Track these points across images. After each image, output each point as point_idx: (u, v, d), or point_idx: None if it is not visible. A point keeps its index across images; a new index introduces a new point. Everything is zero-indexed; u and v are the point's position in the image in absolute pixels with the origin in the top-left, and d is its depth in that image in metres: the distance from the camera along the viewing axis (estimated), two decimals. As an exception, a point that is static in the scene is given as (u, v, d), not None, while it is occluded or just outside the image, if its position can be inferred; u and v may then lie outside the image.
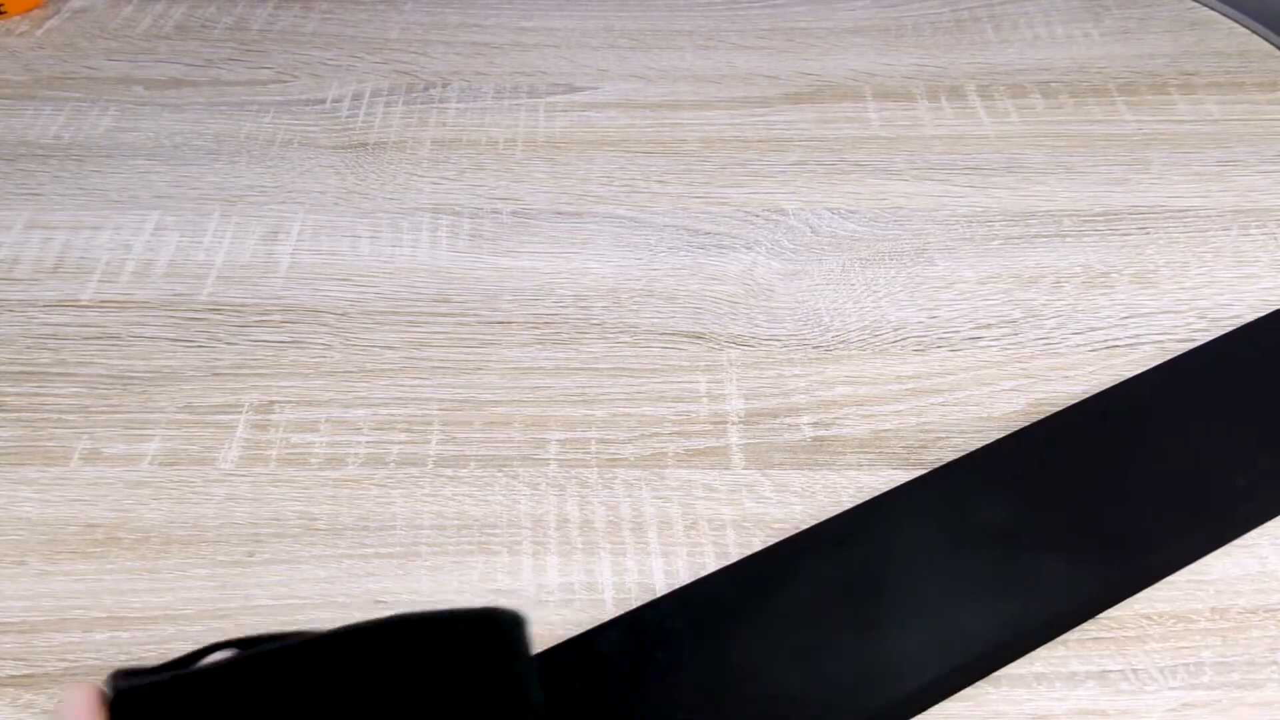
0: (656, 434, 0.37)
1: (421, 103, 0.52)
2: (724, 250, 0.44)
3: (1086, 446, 0.36)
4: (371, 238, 0.44)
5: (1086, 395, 0.37)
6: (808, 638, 0.30)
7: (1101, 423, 0.37)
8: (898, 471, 0.35)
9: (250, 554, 0.33)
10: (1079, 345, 0.40)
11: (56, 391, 0.38)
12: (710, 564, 0.33)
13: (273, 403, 0.38)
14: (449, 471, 0.35)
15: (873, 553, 0.32)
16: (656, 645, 0.30)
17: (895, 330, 0.40)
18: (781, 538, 0.33)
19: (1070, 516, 0.33)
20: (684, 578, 0.32)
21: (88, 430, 0.37)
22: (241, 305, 0.41)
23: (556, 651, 0.30)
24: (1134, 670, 0.30)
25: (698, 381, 0.38)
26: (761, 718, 0.29)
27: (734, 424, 0.37)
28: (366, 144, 0.50)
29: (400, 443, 0.36)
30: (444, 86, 0.53)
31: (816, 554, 0.32)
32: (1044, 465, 0.35)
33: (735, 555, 0.33)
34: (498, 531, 0.34)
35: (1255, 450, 0.35)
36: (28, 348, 0.39)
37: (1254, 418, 0.37)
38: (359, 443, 0.36)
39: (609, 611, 0.31)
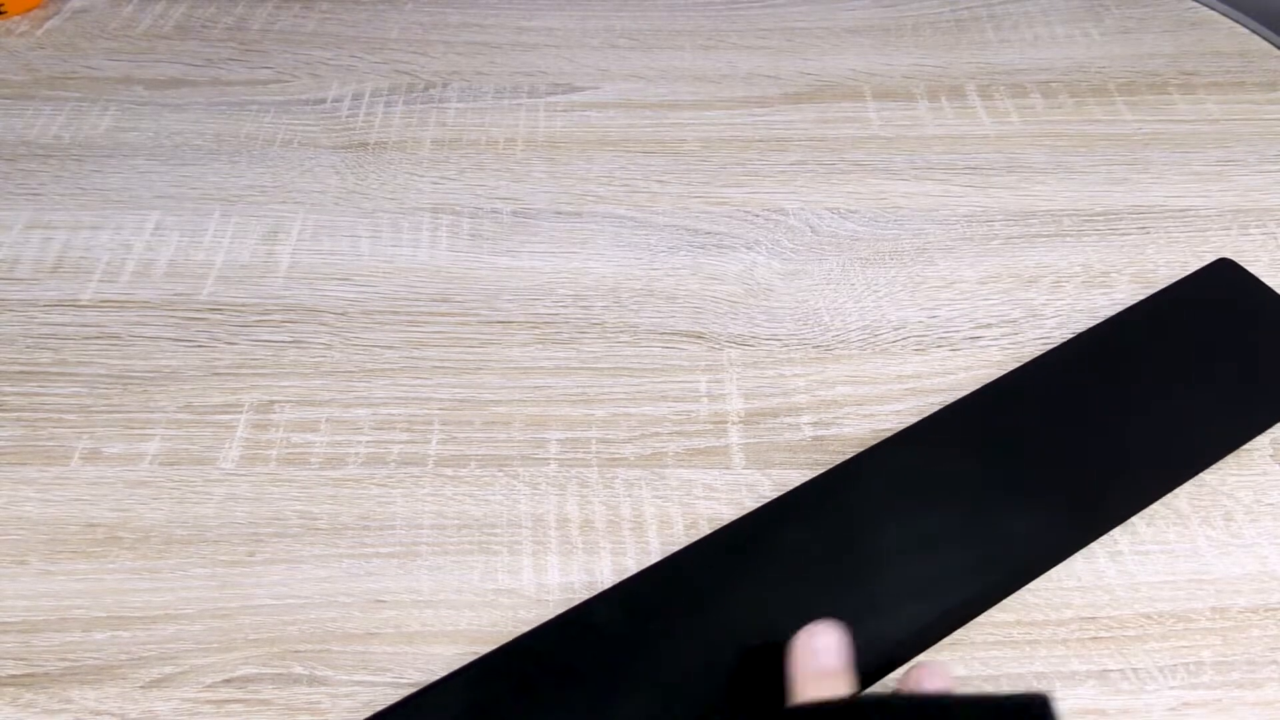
0: (656, 433, 0.37)
1: (421, 103, 0.52)
2: (724, 250, 0.44)
3: (1039, 403, 0.37)
4: (371, 237, 0.44)
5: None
6: (787, 598, 0.31)
7: (1051, 380, 0.37)
8: (898, 471, 0.35)
9: (251, 553, 0.33)
10: (1079, 345, 0.40)
11: (57, 391, 0.38)
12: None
13: (273, 402, 0.38)
14: (449, 471, 0.35)
15: (846, 514, 0.33)
16: (643, 612, 0.31)
17: (895, 330, 0.40)
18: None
19: (1030, 469, 0.34)
20: (684, 577, 0.32)
21: (88, 430, 0.37)
22: (242, 305, 0.41)
23: (552, 625, 0.30)
24: (1134, 669, 0.30)
25: (698, 381, 0.38)
26: (751, 674, 0.29)
27: (734, 423, 0.37)
28: (367, 144, 0.50)
29: (401, 442, 0.36)
30: (444, 86, 0.53)
31: (793, 517, 0.33)
32: (1000, 423, 0.36)
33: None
34: (498, 531, 0.34)
35: (1198, 395, 0.37)
36: (28, 348, 0.39)
37: (1194, 364, 0.38)
38: (359, 442, 0.36)
39: (609, 611, 0.31)
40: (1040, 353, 0.39)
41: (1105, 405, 0.36)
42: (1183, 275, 0.42)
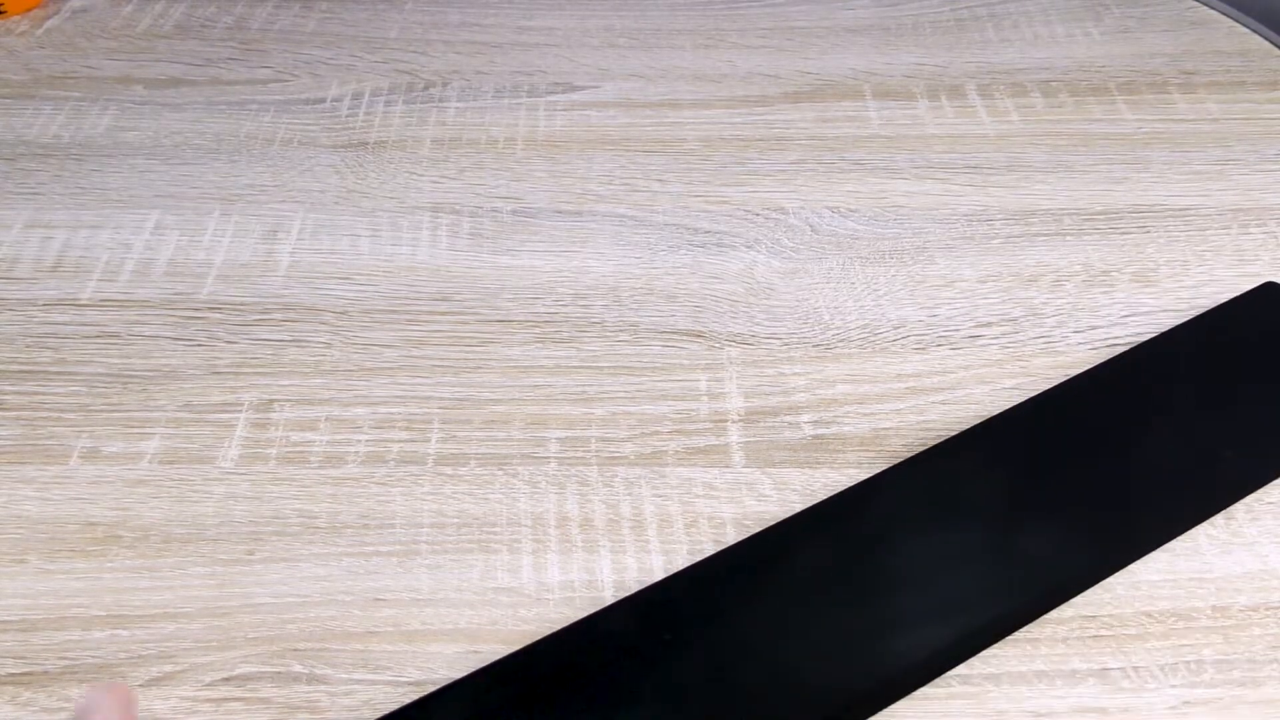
0: (656, 432, 0.37)
1: (421, 102, 0.52)
2: (724, 249, 0.44)
3: (1073, 424, 0.36)
4: (371, 236, 0.44)
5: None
6: (808, 614, 0.30)
7: (1087, 401, 0.37)
8: (898, 470, 0.35)
9: (250, 552, 0.33)
10: (1079, 344, 0.40)
11: (56, 390, 0.38)
12: (710, 562, 0.32)
13: (272, 401, 0.37)
14: (449, 470, 0.35)
15: (869, 531, 0.33)
16: (661, 625, 0.30)
17: (895, 329, 0.40)
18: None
19: (1061, 492, 0.34)
20: (684, 576, 0.32)
21: (87, 429, 0.37)
22: (241, 304, 0.41)
23: (562, 634, 0.30)
24: (1135, 668, 0.30)
25: (698, 380, 0.38)
26: (763, 693, 0.29)
27: (734, 422, 0.37)
28: (366, 143, 0.50)
29: (400, 441, 0.36)
30: (444, 86, 0.53)
31: (813, 533, 0.33)
32: (1033, 443, 0.35)
33: (735, 553, 0.33)
34: (498, 529, 0.34)
35: (1237, 424, 0.36)
36: (28, 347, 0.39)
37: (1234, 392, 0.37)
38: (359, 441, 0.36)
39: (609, 609, 0.31)
40: (1040, 352, 0.39)
41: (1141, 430, 0.36)
42: (1182, 274, 0.42)
